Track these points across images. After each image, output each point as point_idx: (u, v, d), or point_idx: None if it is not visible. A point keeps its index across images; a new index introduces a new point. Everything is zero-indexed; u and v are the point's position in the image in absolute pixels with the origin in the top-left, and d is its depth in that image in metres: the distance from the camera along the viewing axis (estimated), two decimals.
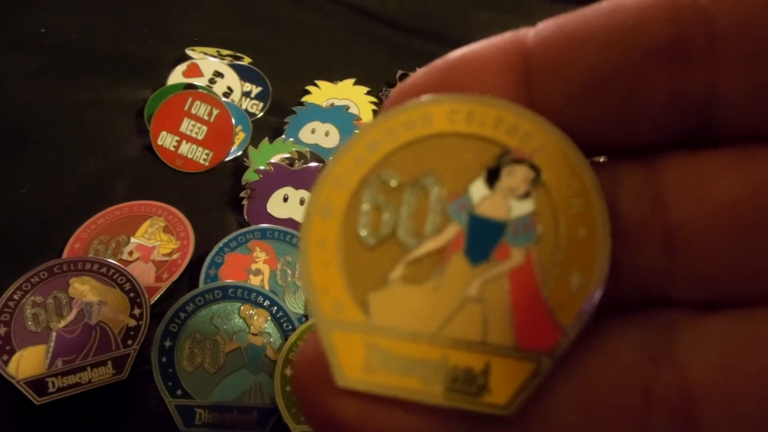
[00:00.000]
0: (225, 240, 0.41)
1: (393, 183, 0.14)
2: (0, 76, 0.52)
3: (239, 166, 0.49)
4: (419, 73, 0.14)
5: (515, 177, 0.13)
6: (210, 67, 0.56)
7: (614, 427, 0.12)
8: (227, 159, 0.50)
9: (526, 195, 0.13)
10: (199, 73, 0.56)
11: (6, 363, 0.33)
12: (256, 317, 0.37)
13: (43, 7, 0.62)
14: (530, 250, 0.13)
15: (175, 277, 0.39)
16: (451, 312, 0.13)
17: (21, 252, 0.39)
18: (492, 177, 0.13)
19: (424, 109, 0.14)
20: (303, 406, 0.13)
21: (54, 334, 0.34)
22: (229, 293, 0.37)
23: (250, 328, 0.36)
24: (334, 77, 0.61)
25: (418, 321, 0.13)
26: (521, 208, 0.13)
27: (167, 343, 0.34)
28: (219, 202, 0.46)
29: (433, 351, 0.13)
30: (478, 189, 0.13)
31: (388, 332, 0.13)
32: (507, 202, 0.13)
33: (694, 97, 0.12)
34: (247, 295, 0.37)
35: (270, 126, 0.54)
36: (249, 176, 0.47)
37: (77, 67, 0.55)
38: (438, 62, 0.14)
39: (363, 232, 0.13)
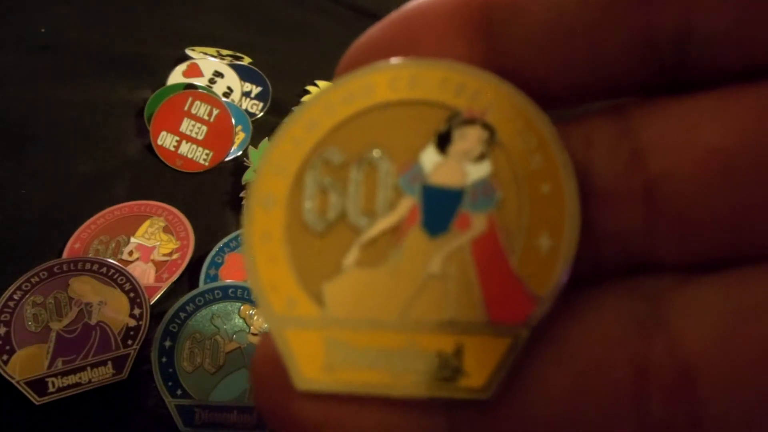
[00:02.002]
0: (225, 240, 0.41)
1: (337, 162, 0.13)
2: (0, 76, 0.52)
3: (239, 166, 0.49)
4: (375, 29, 0.13)
5: (468, 139, 0.12)
6: (210, 67, 0.56)
7: (606, 412, 0.11)
8: (227, 159, 0.50)
9: (481, 157, 0.12)
10: (199, 73, 0.56)
11: (6, 363, 0.33)
12: (256, 317, 0.37)
13: (43, 7, 0.62)
14: (492, 216, 0.12)
15: (175, 277, 0.39)
16: (413, 293, 0.12)
17: (21, 252, 0.39)
18: (443, 142, 0.12)
19: (364, 79, 0.13)
20: (264, 413, 0.12)
21: (54, 334, 0.34)
22: (229, 293, 0.37)
23: (250, 328, 0.36)
24: (334, 77, 0.61)
25: (379, 307, 0.12)
26: (478, 171, 0.12)
27: (167, 343, 0.34)
28: (219, 202, 0.46)
29: (399, 338, 0.11)
30: (429, 157, 0.12)
31: (348, 324, 0.12)
32: (462, 166, 0.12)
33: (670, 30, 0.11)
34: (247, 295, 0.37)
35: (270, 126, 0.54)
36: (249, 176, 0.47)
37: (77, 67, 0.55)
38: (394, 15, 0.13)
39: (310, 219, 0.12)
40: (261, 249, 0.12)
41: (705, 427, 0.11)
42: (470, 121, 0.12)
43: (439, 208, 0.12)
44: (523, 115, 0.12)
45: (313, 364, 0.12)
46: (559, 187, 0.12)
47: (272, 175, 0.12)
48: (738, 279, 0.11)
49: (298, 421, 0.11)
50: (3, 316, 0.35)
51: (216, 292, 0.37)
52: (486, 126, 0.12)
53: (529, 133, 0.12)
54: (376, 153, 0.12)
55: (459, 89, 0.12)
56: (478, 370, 0.11)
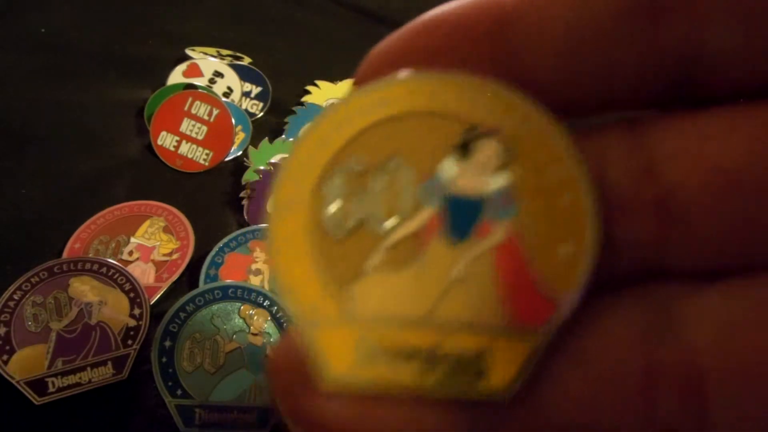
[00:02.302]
0: (225, 240, 0.41)
1: (357, 169, 0.13)
2: (0, 76, 0.52)
3: (239, 166, 0.49)
4: (394, 38, 0.13)
5: (487, 150, 0.13)
6: (210, 67, 0.56)
7: (618, 415, 0.11)
8: (227, 159, 0.50)
9: (500, 168, 0.12)
10: (199, 73, 0.56)
11: (6, 363, 0.33)
12: (256, 317, 0.37)
13: (43, 7, 0.62)
14: (512, 224, 0.12)
15: (175, 277, 0.39)
16: (437, 296, 0.12)
17: (21, 252, 0.39)
18: (462, 153, 0.13)
19: (383, 90, 0.13)
20: (289, 414, 0.12)
21: (54, 334, 0.34)
22: (229, 293, 0.37)
23: (250, 328, 0.36)
24: (334, 77, 0.61)
25: (404, 308, 0.12)
26: (497, 181, 0.13)
27: (167, 343, 0.34)
28: (219, 202, 0.46)
29: (424, 338, 0.12)
30: (449, 167, 0.13)
31: (373, 324, 0.12)
32: (481, 177, 0.13)
33: (678, 48, 0.12)
34: (247, 295, 0.37)
35: (270, 126, 0.54)
36: (249, 176, 0.47)
37: (77, 67, 0.55)
38: (411, 24, 0.13)
39: (330, 225, 0.13)
40: (285, 251, 0.13)
41: None
42: (488, 133, 0.13)
43: (460, 216, 0.13)
44: (540, 126, 0.12)
45: (340, 363, 0.12)
46: (578, 198, 0.12)
47: (294, 179, 0.13)
48: (745, 284, 0.11)
49: (325, 420, 0.12)
50: (3, 316, 0.35)
51: (216, 292, 0.37)
52: (503, 138, 0.13)
53: (547, 145, 0.12)
54: (396, 162, 0.13)
55: (477, 102, 0.13)
56: (500, 372, 0.12)
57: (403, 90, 0.13)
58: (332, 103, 0.13)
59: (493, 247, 0.12)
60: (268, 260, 0.12)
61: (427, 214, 0.13)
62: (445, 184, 0.13)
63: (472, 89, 0.13)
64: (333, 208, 0.13)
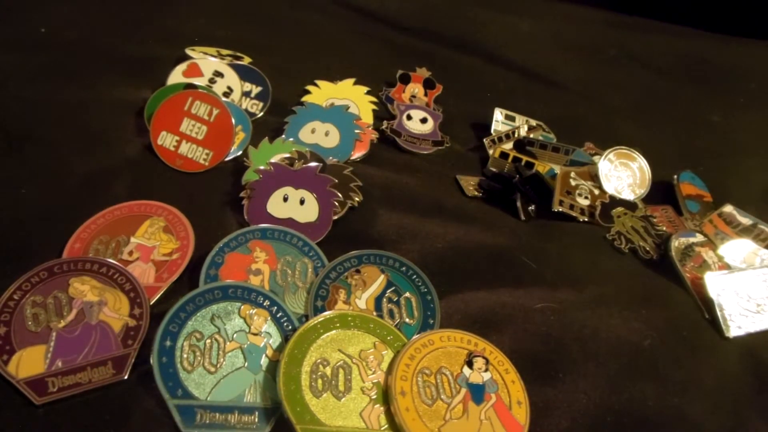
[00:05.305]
0: (225, 240, 0.41)
1: (428, 372, 0.37)
2: (0, 76, 0.53)
3: (239, 166, 0.49)
4: None
5: (479, 362, 0.38)
6: (210, 67, 0.56)
7: None
8: (227, 159, 0.50)
9: (486, 370, 0.38)
10: (199, 73, 0.56)
11: (6, 363, 0.33)
12: (256, 317, 0.37)
13: (43, 7, 0.62)
14: (497, 394, 0.37)
15: (175, 277, 0.39)
16: (477, 429, 0.35)
17: (21, 252, 0.39)
18: (470, 364, 0.38)
19: (438, 340, 0.39)
20: None
21: (54, 334, 0.34)
22: (229, 293, 0.37)
23: (250, 328, 0.36)
24: (334, 77, 0.61)
25: None
26: (486, 376, 0.38)
27: (167, 343, 0.34)
28: (219, 202, 0.46)
29: None
30: (466, 370, 0.38)
31: None
32: (481, 375, 0.38)
33: None
34: (247, 295, 0.37)
35: (270, 126, 0.54)
36: (249, 176, 0.47)
37: (77, 67, 0.55)
38: None
39: (426, 400, 0.36)
40: (402, 404, 0.35)
41: None
42: (478, 355, 0.39)
43: (477, 392, 0.37)
44: (504, 360, 0.39)
45: None
46: (517, 381, 0.38)
47: (400, 378, 0.36)
48: None
49: None
50: (3, 316, 0.35)
51: (216, 292, 0.37)
52: (485, 357, 0.39)
53: (505, 363, 0.39)
54: (445, 369, 0.38)
55: (474, 345, 0.40)
56: None
57: (441, 336, 0.39)
58: (422, 340, 0.39)
59: (493, 404, 0.36)
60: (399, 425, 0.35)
61: (462, 393, 0.37)
62: (467, 378, 0.37)
63: (475, 341, 0.40)
64: (424, 391, 0.36)
